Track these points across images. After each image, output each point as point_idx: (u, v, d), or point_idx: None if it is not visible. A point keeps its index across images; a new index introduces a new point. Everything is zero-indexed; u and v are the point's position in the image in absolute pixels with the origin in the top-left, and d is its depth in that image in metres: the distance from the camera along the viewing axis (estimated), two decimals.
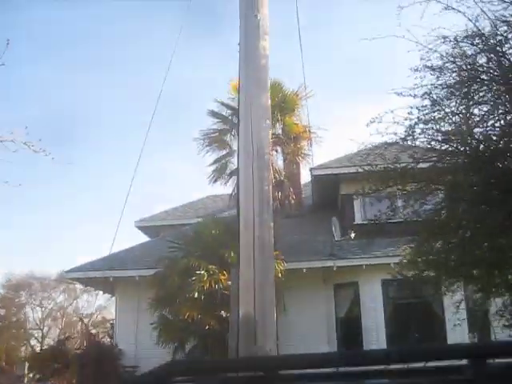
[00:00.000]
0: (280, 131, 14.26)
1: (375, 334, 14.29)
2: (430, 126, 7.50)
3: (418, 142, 7.95)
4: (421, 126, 7.52)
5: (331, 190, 16.35)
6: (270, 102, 6.56)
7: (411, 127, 7.45)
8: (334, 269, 14.41)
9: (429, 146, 7.93)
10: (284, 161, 14.61)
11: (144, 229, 20.40)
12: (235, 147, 14.71)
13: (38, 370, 15.64)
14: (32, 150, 7.85)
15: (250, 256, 6.07)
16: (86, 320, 31.98)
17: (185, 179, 62.68)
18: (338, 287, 15.20)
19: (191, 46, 40.20)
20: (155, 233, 20.03)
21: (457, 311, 12.44)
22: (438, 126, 7.52)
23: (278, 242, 14.26)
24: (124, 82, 48.16)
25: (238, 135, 6.46)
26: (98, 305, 39.22)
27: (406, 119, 7.50)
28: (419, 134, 7.61)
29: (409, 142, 8.03)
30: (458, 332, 13.96)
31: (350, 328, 15.20)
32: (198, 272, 12.46)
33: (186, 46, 23.22)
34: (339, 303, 15.17)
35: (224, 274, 12.55)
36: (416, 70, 7.44)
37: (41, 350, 16.84)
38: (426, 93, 7.41)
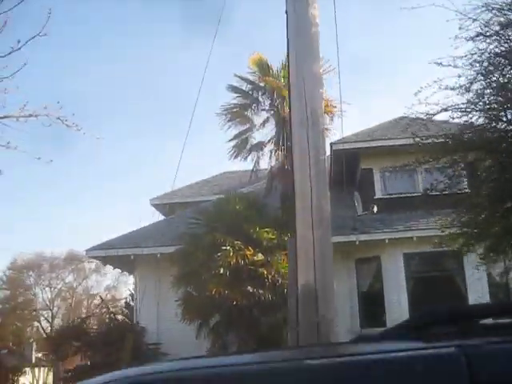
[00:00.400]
0: None
1: (398, 308, 14.32)
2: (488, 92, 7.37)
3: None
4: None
5: (350, 165, 16.27)
6: (321, 70, 6.46)
7: (479, 94, 7.33)
8: (357, 243, 14.39)
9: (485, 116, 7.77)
10: None
11: (159, 207, 20.34)
12: (256, 122, 14.69)
13: (57, 348, 15.59)
14: (65, 124, 7.73)
15: (308, 227, 6.02)
16: (98, 299, 31.99)
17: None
18: (360, 262, 15.20)
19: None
20: (170, 211, 19.99)
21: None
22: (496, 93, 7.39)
23: None
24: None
25: (290, 105, 6.39)
26: (107, 284, 39.45)
27: (453, 88, 7.38)
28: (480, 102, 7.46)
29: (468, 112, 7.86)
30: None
31: (372, 302, 15.26)
32: (224, 248, 12.41)
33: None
34: (361, 278, 15.19)
35: (250, 250, 12.55)
36: (470, 38, 7.29)
37: (57, 329, 16.71)
38: (476, 61, 7.28)
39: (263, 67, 14.14)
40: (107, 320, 16.12)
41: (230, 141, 14.96)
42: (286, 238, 13.15)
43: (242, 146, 14.64)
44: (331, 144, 15.69)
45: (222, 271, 12.65)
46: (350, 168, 16.32)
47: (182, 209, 19.37)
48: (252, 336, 12.71)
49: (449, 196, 15.48)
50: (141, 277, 15.78)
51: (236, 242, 12.50)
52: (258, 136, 14.76)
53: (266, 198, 14.26)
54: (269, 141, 14.27)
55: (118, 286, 41.85)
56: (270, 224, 13.38)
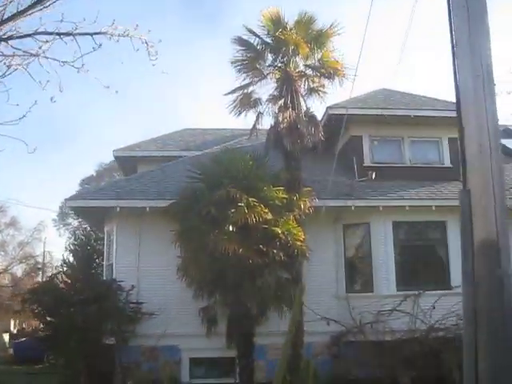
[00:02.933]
0: (317, 63, 14.08)
1: (385, 275, 14.84)
2: None
3: None
4: None
5: (340, 131, 16.46)
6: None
7: None
8: (353, 208, 14.68)
9: None
10: (309, 95, 14.41)
11: (121, 159, 19.49)
12: (261, 78, 14.39)
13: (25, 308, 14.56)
14: (148, 51, 7.19)
15: (487, 181, 6.09)
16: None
17: None
18: (348, 227, 15.55)
19: None
20: (132, 164, 19.25)
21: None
22: None
23: (308, 179, 14.40)
24: None
25: (454, 59, 6.34)
26: (20, 240, 37.49)
27: None
28: None
29: None
30: (459, 272, 14.93)
31: (359, 268, 15.71)
32: (239, 204, 12.19)
33: None
34: (348, 243, 15.54)
35: (263, 208, 12.42)
36: None
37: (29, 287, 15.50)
38: None
39: (277, 22, 13.83)
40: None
41: (228, 94, 14.55)
42: (294, 198, 13.23)
43: (244, 100, 14.30)
44: (327, 108, 15.78)
45: (230, 228, 12.46)
46: (341, 133, 16.52)
47: (147, 163, 18.75)
48: (260, 295, 12.70)
49: (433, 169, 16.28)
50: (119, 231, 15.05)
51: (251, 199, 12.30)
52: (260, 92, 14.47)
53: (265, 157, 14.07)
54: (272, 98, 14.03)
55: (33, 242, 39.89)
56: (280, 183, 13.33)
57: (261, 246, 12.48)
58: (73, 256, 22.26)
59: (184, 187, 13.78)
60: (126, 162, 19.47)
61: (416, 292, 14.25)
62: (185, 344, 14.35)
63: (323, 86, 14.37)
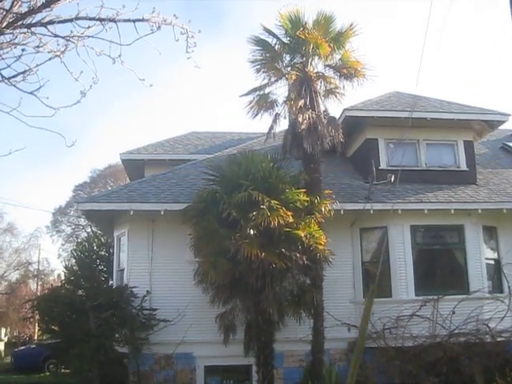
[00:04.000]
0: (338, 63, 13.86)
1: (404, 279, 14.59)
2: None
3: None
4: None
5: (357, 133, 16.24)
6: None
7: None
8: (371, 212, 14.43)
9: None
10: (326, 96, 14.17)
11: (128, 162, 19.13)
12: (279, 79, 14.14)
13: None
14: (187, 41, 6.82)
15: None
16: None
17: None
18: (365, 231, 15.30)
19: None
20: (139, 167, 18.92)
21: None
22: None
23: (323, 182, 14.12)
24: None
25: None
26: (16, 247, 36.93)
27: None
28: None
29: None
30: (478, 277, 14.78)
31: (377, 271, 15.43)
32: (262, 207, 11.87)
33: None
34: (365, 247, 15.29)
35: (285, 211, 12.11)
36: None
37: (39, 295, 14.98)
38: None
39: (296, 21, 13.59)
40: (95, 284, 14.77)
41: (244, 95, 14.31)
42: (315, 201, 12.95)
43: (261, 101, 14.04)
44: (344, 109, 15.54)
45: (252, 232, 12.14)
46: (356, 136, 16.29)
47: (154, 166, 18.42)
48: (282, 300, 12.40)
49: (449, 172, 16.07)
50: (131, 235, 14.68)
51: (273, 202, 12.00)
52: (278, 93, 14.24)
53: (283, 159, 13.78)
54: (291, 99, 13.75)
55: (28, 249, 39.33)
56: (299, 185, 13.05)
57: (283, 250, 12.18)
58: (76, 262, 21.85)
59: (200, 190, 13.45)
60: (133, 166, 19.12)
61: (435, 297, 13.99)
62: (200, 351, 14.02)
63: (339, 87, 14.15)
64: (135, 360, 13.28)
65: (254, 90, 14.30)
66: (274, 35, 14.04)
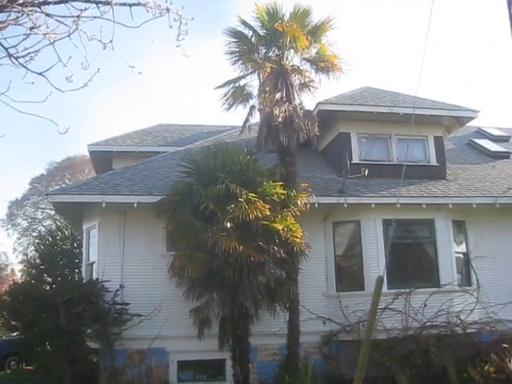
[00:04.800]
0: (314, 56, 13.84)
1: (376, 273, 14.68)
2: None
3: None
4: None
5: (329, 127, 16.26)
6: None
7: None
8: (345, 206, 14.49)
9: None
10: (301, 90, 14.12)
11: (96, 154, 18.70)
12: (254, 71, 14.03)
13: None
14: (179, 27, 6.69)
15: None
16: None
17: None
18: (337, 225, 15.36)
19: None
20: (107, 159, 18.53)
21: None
22: None
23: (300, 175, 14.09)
24: None
25: None
26: None
27: None
28: None
29: None
30: (448, 270, 15.04)
31: (349, 266, 15.55)
32: (240, 199, 11.79)
33: None
34: (338, 241, 15.35)
35: (262, 204, 12.04)
36: None
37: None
38: None
39: (273, 14, 13.50)
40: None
41: (219, 87, 14.14)
42: (291, 194, 12.92)
43: (236, 93, 13.92)
44: (318, 103, 15.54)
45: (229, 225, 12.03)
46: (328, 130, 16.31)
47: (123, 158, 18.09)
48: (259, 293, 12.34)
49: (420, 167, 16.29)
50: (102, 229, 14.36)
51: (251, 195, 11.90)
52: (253, 85, 14.14)
53: (258, 152, 13.70)
54: (266, 91, 13.66)
55: None
56: (277, 179, 12.99)
57: (260, 243, 12.14)
58: (39, 256, 21.31)
59: (174, 182, 13.25)
60: (101, 157, 18.72)
61: (407, 290, 14.15)
62: (173, 346, 13.83)
63: (314, 81, 14.15)
64: (110, 356, 12.99)
65: (229, 82, 14.19)
66: (251, 27, 13.95)
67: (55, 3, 5.78)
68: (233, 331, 12.66)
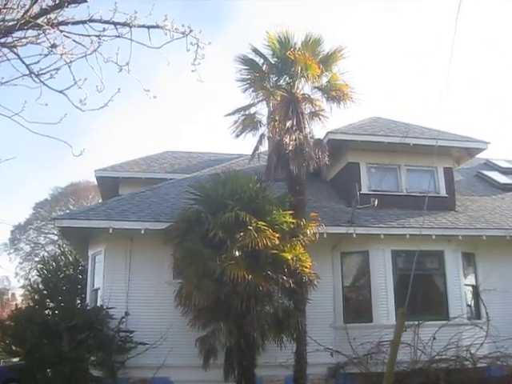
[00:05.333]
0: (326, 85, 13.86)
1: (384, 304, 14.50)
2: None
3: None
4: None
5: (338, 157, 16.20)
6: None
7: None
8: (354, 236, 14.37)
9: None
10: (311, 119, 14.11)
11: (103, 179, 18.66)
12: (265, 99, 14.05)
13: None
14: (196, 52, 6.69)
15: None
16: None
17: None
18: (345, 256, 15.22)
19: None
20: (114, 185, 18.48)
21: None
22: None
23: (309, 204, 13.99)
24: None
25: None
26: None
27: None
28: None
29: None
30: (457, 303, 14.83)
31: (357, 297, 15.35)
32: (249, 227, 11.67)
33: None
34: (346, 272, 15.18)
35: (271, 232, 11.91)
36: None
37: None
38: None
39: (285, 42, 13.57)
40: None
41: (229, 114, 14.17)
42: (301, 224, 12.80)
43: (246, 121, 13.94)
44: (328, 133, 15.53)
45: (237, 253, 11.91)
46: (337, 160, 16.25)
47: (129, 184, 18.06)
48: (266, 324, 12.13)
49: (429, 198, 16.18)
50: (108, 255, 14.23)
51: (260, 223, 11.79)
52: (263, 113, 14.18)
53: (267, 180, 13.63)
54: (277, 120, 13.65)
55: None
56: (286, 207, 12.88)
57: (269, 273, 11.99)
58: (42, 281, 21.10)
59: (182, 209, 13.16)
60: (107, 183, 18.67)
61: (416, 322, 13.92)
62: (177, 376, 13.57)
63: (325, 109, 14.15)
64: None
65: (239, 109, 14.20)
66: (262, 55, 14.02)
67: (73, 24, 5.76)
68: (239, 362, 12.41)
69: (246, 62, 13.92)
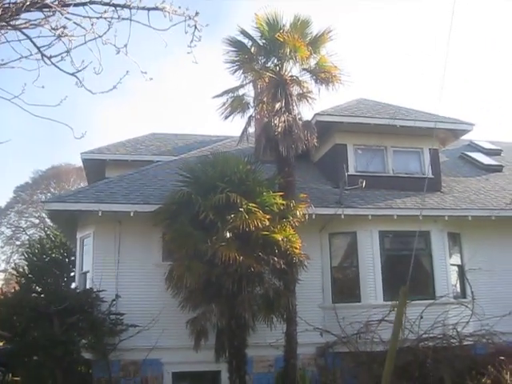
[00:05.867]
0: (314, 67, 13.86)
1: (372, 284, 14.70)
2: None
3: None
4: None
5: (325, 138, 16.25)
6: None
7: None
8: (342, 217, 14.51)
9: None
10: (299, 100, 14.12)
11: (90, 162, 18.52)
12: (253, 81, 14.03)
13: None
14: (195, 34, 6.60)
15: None
16: None
17: None
18: (333, 236, 15.35)
19: None
20: (100, 167, 18.37)
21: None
22: None
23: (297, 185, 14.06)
24: None
25: None
26: None
27: None
28: None
29: None
30: (443, 282, 15.08)
31: (345, 277, 15.53)
32: (240, 209, 11.73)
33: None
34: (334, 252, 15.32)
35: (262, 214, 11.99)
36: None
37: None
38: None
39: (273, 24, 13.53)
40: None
41: (217, 96, 14.12)
42: (290, 205, 12.88)
43: (234, 103, 13.92)
44: (315, 114, 15.56)
45: (228, 235, 11.98)
46: (324, 141, 16.30)
47: (116, 167, 17.95)
48: (257, 304, 12.25)
49: (416, 179, 16.35)
50: (97, 237, 14.19)
51: (251, 205, 11.86)
52: (251, 95, 14.15)
53: (256, 161, 13.66)
54: (266, 101, 13.67)
55: None
56: (275, 189, 12.96)
57: (260, 254, 12.09)
58: (27, 265, 21.04)
59: (172, 191, 13.16)
60: (94, 166, 18.54)
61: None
62: (168, 357, 13.69)
63: (313, 91, 14.16)
64: (105, 367, 12.79)
65: (227, 91, 14.16)
66: (250, 37, 13.97)
67: (75, 5, 5.70)
68: (230, 342, 12.54)
69: (235, 43, 13.86)
